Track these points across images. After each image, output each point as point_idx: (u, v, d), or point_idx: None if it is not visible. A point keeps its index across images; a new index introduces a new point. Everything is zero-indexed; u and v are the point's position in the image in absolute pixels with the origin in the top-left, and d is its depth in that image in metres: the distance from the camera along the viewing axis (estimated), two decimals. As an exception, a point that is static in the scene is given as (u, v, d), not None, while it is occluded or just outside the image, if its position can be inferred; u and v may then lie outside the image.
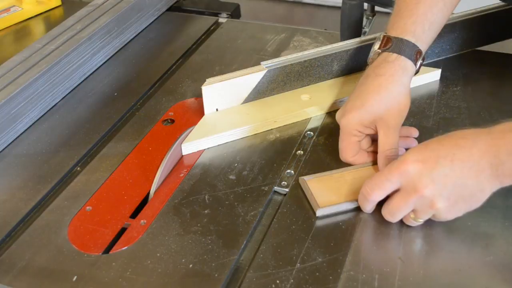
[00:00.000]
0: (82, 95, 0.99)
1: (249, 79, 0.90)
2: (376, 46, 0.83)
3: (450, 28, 1.00)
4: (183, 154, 0.85)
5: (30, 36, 1.19)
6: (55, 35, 1.02)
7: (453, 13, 0.98)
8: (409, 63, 0.80)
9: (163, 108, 0.95)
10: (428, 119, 0.89)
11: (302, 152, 0.84)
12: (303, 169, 0.81)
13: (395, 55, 0.80)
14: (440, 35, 0.98)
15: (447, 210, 0.67)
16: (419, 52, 0.82)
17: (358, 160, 0.80)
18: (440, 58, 1.03)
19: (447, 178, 0.65)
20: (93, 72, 1.05)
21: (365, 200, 0.72)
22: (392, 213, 0.70)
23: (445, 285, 0.65)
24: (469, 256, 0.68)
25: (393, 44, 0.81)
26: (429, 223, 0.72)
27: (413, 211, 0.69)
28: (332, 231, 0.72)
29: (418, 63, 0.82)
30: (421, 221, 0.70)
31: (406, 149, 0.78)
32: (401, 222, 0.72)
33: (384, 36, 0.83)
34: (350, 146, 0.80)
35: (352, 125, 0.79)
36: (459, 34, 1.02)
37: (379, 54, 0.82)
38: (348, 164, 0.81)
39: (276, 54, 1.08)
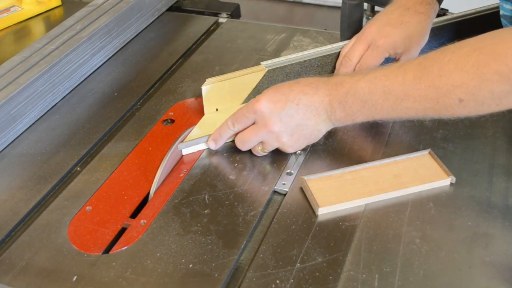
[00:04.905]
0: (82, 95, 0.99)
1: (249, 79, 0.90)
2: None
3: (450, 28, 0.99)
4: (183, 154, 0.85)
5: (30, 36, 1.19)
6: (55, 35, 1.02)
7: (453, 13, 0.99)
8: (438, 7, 0.94)
9: (163, 108, 0.95)
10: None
11: (302, 152, 0.84)
12: (303, 169, 0.81)
13: None
14: (440, 35, 0.98)
15: (290, 144, 0.81)
16: None
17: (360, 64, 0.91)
18: (440, 58, 1.03)
19: (292, 119, 0.79)
20: (93, 72, 1.05)
21: (227, 129, 0.83)
22: (243, 142, 0.82)
23: (445, 285, 0.65)
24: (469, 256, 0.68)
25: None
26: (429, 223, 0.72)
27: (261, 143, 0.81)
28: (332, 231, 0.72)
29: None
30: (266, 151, 0.82)
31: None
32: (402, 222, 0.72)
33: None
34: (378, 60, 0.90)
35: (391, 44, 0.89)
36: (459, 34, 1.01)
37: None
38: (348, 164, 0.81)
39: (276, 54, 1.08)
